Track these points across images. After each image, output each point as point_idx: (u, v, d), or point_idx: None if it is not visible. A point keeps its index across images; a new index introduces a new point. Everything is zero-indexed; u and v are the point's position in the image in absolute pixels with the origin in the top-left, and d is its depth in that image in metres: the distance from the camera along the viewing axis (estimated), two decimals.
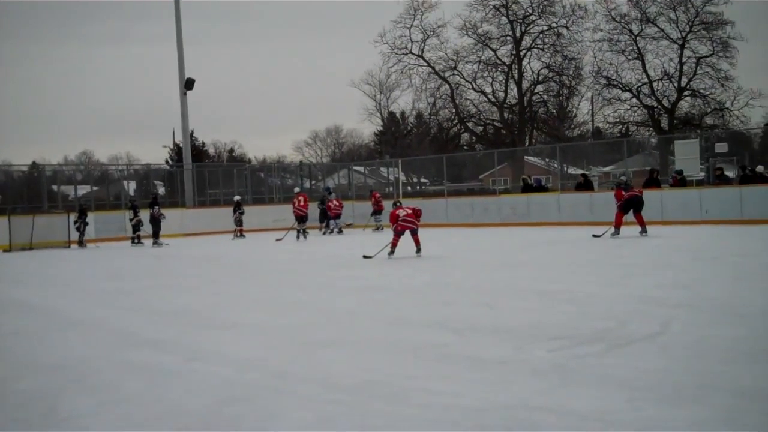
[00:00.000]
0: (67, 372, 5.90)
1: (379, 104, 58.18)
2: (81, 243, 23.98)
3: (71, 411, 4.78)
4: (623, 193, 17.62)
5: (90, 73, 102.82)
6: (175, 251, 20.65)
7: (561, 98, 46.75)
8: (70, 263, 17.91)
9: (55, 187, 31.83)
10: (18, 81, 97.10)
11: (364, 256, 14.37)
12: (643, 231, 17.29)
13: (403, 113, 59.16)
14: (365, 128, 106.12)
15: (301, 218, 23.62)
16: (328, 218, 26.44)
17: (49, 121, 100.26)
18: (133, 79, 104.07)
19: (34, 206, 27.10)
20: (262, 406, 4.69)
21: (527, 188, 27.23)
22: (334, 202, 26.19)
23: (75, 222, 24.06)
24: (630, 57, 43.45)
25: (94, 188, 34.78)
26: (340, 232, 26.09)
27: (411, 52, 47.89)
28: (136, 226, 23.94)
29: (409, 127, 59.25)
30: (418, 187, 44.29)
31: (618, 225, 17.56)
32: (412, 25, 47.16)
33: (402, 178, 38.61)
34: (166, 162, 48.85)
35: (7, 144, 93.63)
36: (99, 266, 16.62)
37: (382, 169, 41.29)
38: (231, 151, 65.43)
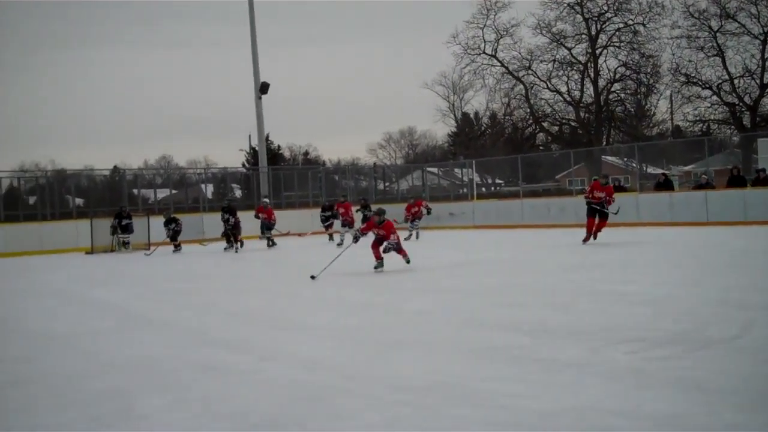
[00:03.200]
0: (142, 371, 6.00)
1: (453, 105, 58.04)
2: (124, 245, 24.20)
3: (146, 409, 4.86)
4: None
5: (168, 78, 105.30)
6: (247, 253, 20.91)
7: (639, 96, 45.87)
8: (148, 265, 18.26)
9: (135, 191, 32.61)
10: (98, 86, 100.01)
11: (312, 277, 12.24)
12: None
13: (476, 114, 58.97)
14: (439, 129, 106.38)
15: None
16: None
17: (129, 126, 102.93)
18: (210, 84, 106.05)
19: (115, 209, 27.77)
20: (331, 407, 4.69)
21: None
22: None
23: (111, 224, 24.28)
24: (709, 54, 42.28)
25: (173, 192, 35.53)
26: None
27: (484, 53, 47.60)
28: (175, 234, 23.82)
29: (483, 128, 58.92)
30: (492, 188, 44.02)
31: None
32: (485, 25, 46.91)
33: (476, 179, 38.39)
34: (243, 165, 49.57)
35: (89, 149, 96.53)
36: (174, 268, 16.93)
37: (456, 170, 41.20)
38: (306, 153, 66.07)
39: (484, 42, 47.34)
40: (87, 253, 23.95)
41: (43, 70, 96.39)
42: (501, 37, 46.99)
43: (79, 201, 31.50)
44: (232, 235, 22.12)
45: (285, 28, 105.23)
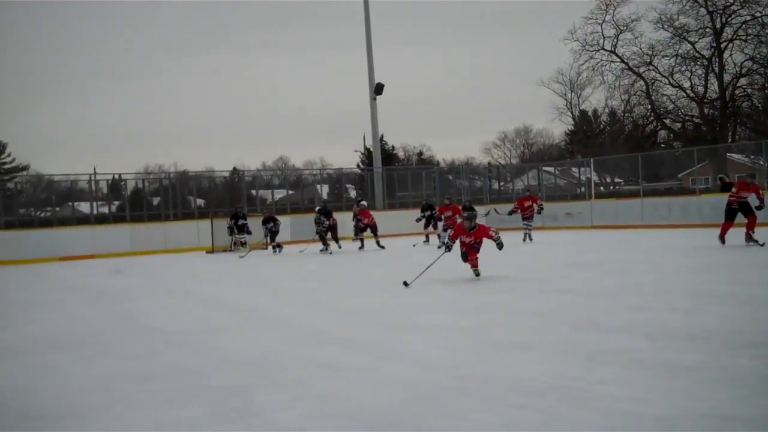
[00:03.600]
0: (260, 368, 6.13)
1: (570, 103, 57.16)
2: (241, 245, 24.45)
3: (264, 406, 4.96)
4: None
5: (283, 81, 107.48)
6: (363, 252, 21.09)
7: (767, 91, 44.01)
8: (265, 264, 18.67)
9: (253, 192, 33.45)
10: (216, 90, 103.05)
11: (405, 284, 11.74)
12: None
13: (595, 111, 57.87)
14: (555, 128, 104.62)
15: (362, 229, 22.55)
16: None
17: (247, 128, 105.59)
18: (325, 85, 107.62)
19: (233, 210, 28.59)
20: (446, 407, 4.68)
21: (726, 188, 25.84)
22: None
23: (228, 225, 24.84)
24: None
25: (290, 192, 36.24)
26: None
27: (603, 48, 46.72)
28: (272, 235, 23.50)
29: (601, 126, 57.77)
30: (611, 188, 43.08)
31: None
32: (603, 21, 46.04)
33: (594, 178, 37.64)
34: (357, 166, 50.18)
35: (210, 151, 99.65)
36: (291, 267, 17.24)
37: (573, 169, 40.52)
38: (420, 153, 66.28)
39: (603, 38, 46.51)
40: (208, 252, 24.72)
41: (166, 75, 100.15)
42: (621, 33, 46.05)
43: (200, 201, 32.56)
44: (333, 238, 22.00)
45: (399, 29, 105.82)
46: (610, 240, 20.83)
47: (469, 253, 12.27)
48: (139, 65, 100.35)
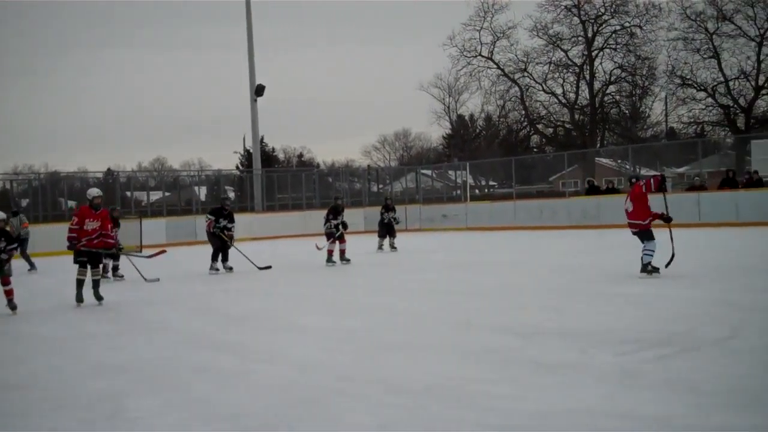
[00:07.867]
0: (134, 373, 6.00)
1: (448, 107, 57.95)
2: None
3: (137, 411, 4.86)
4: None
5: (162, 80, 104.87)
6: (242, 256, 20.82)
7: (634, 98, 45.83)
8: (141, 268, 18.19)
9: (129, 193, 32.57)
10: (92, 88, 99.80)
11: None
12: None
13: (472, 116, 58.87)
14: (434, 132, 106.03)
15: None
16: None
17: (123, 129, 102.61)
18: (205, 86, 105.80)
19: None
20: (323, 409, 4.69)
21: (593, 190, 26.92)
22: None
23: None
24: (705, 56, 42.17)
25: (167, 194, 35.46)
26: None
27: (480, 55, 47.58)
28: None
29: (478, 130, 58.95)
30: (486, 190, 44.04)
31: None
32: (482, 28, 46.86)
33: (470, 181, 38.38)
34: (237, 167, 49.59)
35: (82, 151, 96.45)
36: (164, 270, 16.83)
37: (450, 172, 41.18)
38: (300, 155, 66.01)
39: (481, 44, 47.30)
40: None
41: (37, 73, 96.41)
42: (497, 39, 46.92)
43: (71, 203, 31.38)
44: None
45: (280, 30, 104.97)
46: (485, 241, 21.28)
47: None
48: (9, 61, 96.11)
